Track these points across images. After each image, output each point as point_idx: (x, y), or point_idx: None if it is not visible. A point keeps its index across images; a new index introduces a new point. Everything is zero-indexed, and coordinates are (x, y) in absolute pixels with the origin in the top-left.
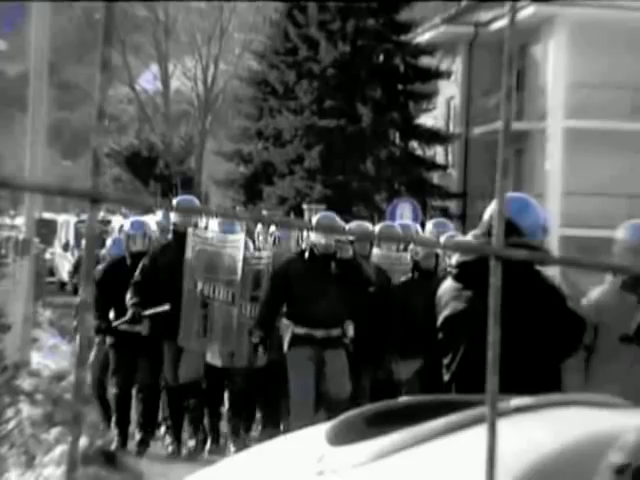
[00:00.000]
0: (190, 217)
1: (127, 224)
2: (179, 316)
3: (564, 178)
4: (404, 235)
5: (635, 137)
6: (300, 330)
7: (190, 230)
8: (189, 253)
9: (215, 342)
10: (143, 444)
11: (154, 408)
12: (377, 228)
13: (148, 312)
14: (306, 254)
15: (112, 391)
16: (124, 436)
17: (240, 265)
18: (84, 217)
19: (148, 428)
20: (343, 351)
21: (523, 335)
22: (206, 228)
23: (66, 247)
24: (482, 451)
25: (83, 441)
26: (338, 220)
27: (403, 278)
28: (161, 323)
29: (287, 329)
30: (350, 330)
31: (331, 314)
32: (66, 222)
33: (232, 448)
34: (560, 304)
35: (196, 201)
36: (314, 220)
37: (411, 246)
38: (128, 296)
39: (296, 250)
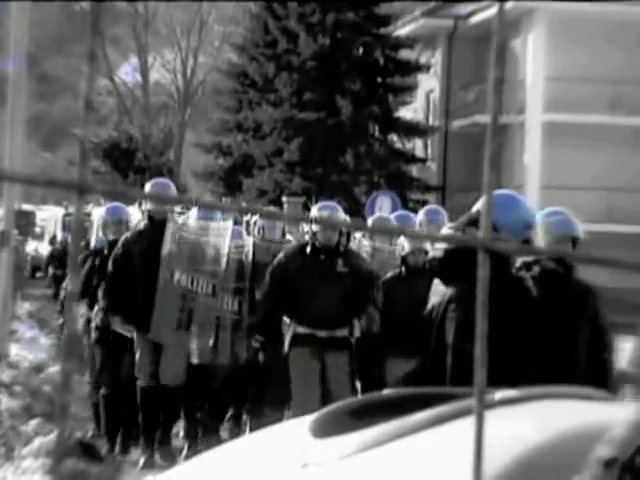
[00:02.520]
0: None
1: (102, 210)
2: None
3: (543, 171)
4: (393, 227)
5: (614, 131)
6: (302, 330)
7: (170, 217)
8: (167, 242)
9: (194, 337)
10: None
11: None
12: (370, 220)
13: (116, 327)
14: (308, 247)
15: (101, 391)
16: (113, 440)
17: (225, 255)
18: (72, 210)
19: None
20: (347, 353)
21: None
22: (181, 213)
23: (53, 241)
24: (468, 444)
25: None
26: (340, 210)
27: (390, 274)
28: (133, 314)
29: (287, 328)
30: (357, 330)
31: (335, 312)
32: (54, 216)
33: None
34: (526, 300)
35: (171, 184)
36: (314, 209)
37: (399, 240)
38: (100, 294)
39: (298, 243)
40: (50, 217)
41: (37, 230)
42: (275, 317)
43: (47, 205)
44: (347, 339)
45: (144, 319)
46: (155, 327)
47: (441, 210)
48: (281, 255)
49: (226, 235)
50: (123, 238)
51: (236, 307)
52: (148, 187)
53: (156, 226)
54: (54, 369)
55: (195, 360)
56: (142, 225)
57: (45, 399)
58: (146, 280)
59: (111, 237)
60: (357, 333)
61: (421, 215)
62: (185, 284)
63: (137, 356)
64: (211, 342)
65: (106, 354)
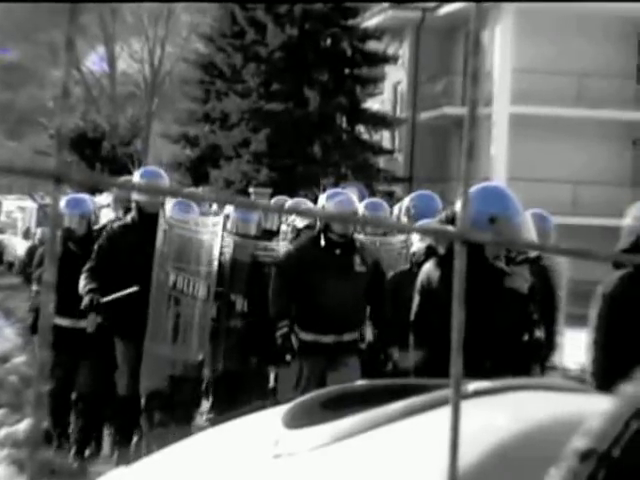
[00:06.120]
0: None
1: (62, 202)
2: (140, 311)
3: (509, 163)
4: (376, 219)
5: (580, 124)
6: (309, 337)
7: (162, 212)
8: (160, 238)
9: (187, 347)
10: (81, 460)
11: (96, 420)
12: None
13: (109, 298)
14: (321, 241)
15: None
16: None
17: (217, 255)
18: (47, 201)
19: (87, 442)
20: (356, 359)
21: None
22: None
23: (27, 234)
24: (442, 435)
25: (27, 424)
26: (355, 202)
27: (402, 267)
28: (113, 317)
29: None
30: (369, 333)
31: (347, 316)
32: (29, 208)
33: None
34: (509, 292)
35: (163, 174)
36: (322, 199)
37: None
38: (82, 284)
39: (309, 235)
40: (22, 209)
41: (5, 220)
42: (290, 304)
43: (12, 195)
44: (356, 343)
45: (127, 324)
46: (151, 338)
47: (434, 196)
48: (291, 248)
49: (218, 232)
50: (108, 230)
51: (214, 313)
52: (137, 176)
53: (145, 220)
54: (20, 359)
55: (177, 372)
56: (129, 218)
57: (11, 389)
58: (134, 280)
59: (75, 234)
60: (369, 337)
61: (407, 201)
62: (182, 287)
63: (121, 366)
64: (202, 355)
65: (58, 358)
